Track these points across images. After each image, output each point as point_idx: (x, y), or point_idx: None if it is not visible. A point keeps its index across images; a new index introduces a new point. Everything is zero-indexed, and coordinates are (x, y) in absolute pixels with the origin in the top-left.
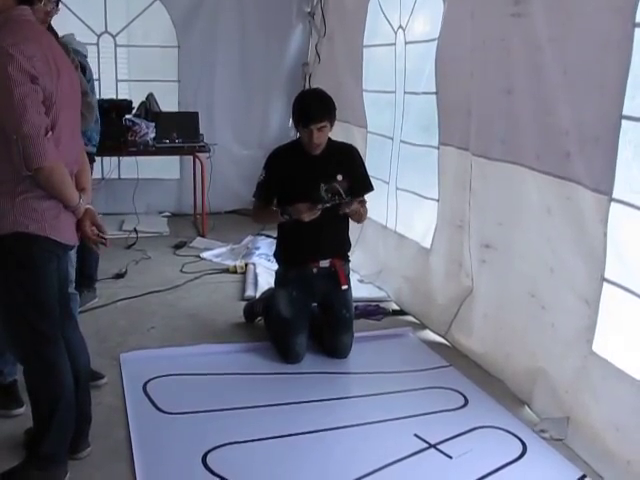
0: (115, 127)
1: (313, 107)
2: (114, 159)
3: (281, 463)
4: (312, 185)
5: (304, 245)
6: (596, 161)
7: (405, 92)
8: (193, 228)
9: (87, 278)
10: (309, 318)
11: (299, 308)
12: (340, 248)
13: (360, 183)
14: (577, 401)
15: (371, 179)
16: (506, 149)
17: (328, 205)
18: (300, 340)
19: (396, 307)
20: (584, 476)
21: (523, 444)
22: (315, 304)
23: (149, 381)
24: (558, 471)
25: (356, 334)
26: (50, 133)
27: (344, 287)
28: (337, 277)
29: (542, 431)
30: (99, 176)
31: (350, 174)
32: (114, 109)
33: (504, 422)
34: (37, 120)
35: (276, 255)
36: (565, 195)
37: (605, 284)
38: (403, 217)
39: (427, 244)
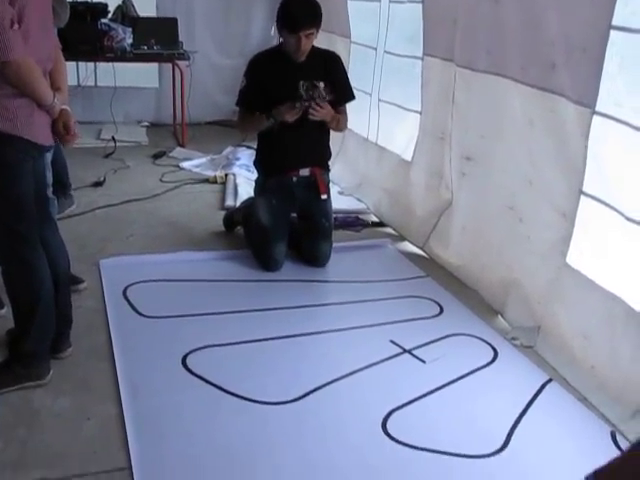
0: (90, 31)
1: (301, 13)
2: (90, 65)
3: (258, 364)
4: (294, 89)
5: (284, 153)
6: (581, 73)
7: (390, 1)
8: (172, 138)
9: (58, 183)
10: (289, 227)
11: (279, 216)
12: (320, 157)
13: (342, 91)
14: (548, 311)
15: (353, 90)
16: (491, 60)
17: (307, 103)
18: (279, 248)
19: (375, 219)
20: (550, 380)
21: (494, 350)
22: (294, 214)
23: (129, 286)
24: (526, 375)
25: (335, 244)
26: (16, 25)
27: (323, 196)
28: (317, 186)
29: (513, 339)
30: (75, 83)
31: (332, 81)
32: (88, 12)
33: (477, 330)
34: (0, 9)
35: (256, 163)
36: (548, 107)
37: (583, 197)
38: (385, 129)
39: (408, 157)
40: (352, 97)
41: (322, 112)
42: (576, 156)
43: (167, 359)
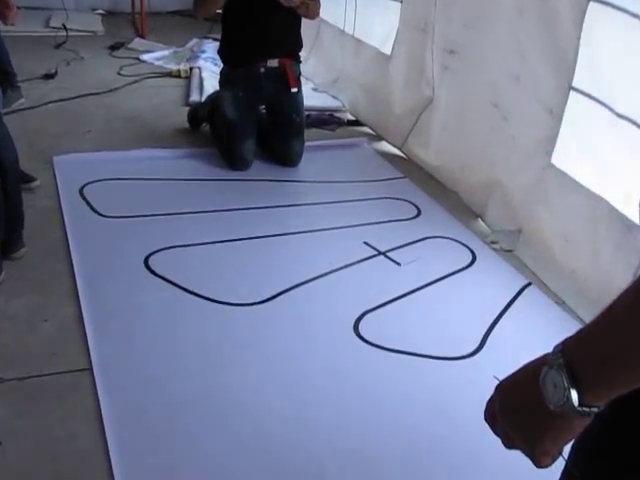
0: None
1: None
2: None
3: (226, 266)
4: None
5: (251, 41)
6: None
7: None
8: (131, 28)
9: (1, 73)
10: (257, 122)
11: (246, 110)
12: (290, 47)
13: None
14: (530, 213)
15: None
16: None
17: None
18: (247, 145)
19: (351, 117)
20: (529, 284)
21: (473, 254)
22: (263, 108)
23: (86, 185)
24: (505, 279)
25: (308, 143)
26: None
27: (294, 90)
28: (286, 79)
29: (493, 242)
30: None
31: None
32: None
33: (456, 233)
34: None
35: (220, 52)
36: None
37: (572, 93)
38: (362, 21)
39: (387, 50)
40: None
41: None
42: (567, 48)
43: (128, 260)
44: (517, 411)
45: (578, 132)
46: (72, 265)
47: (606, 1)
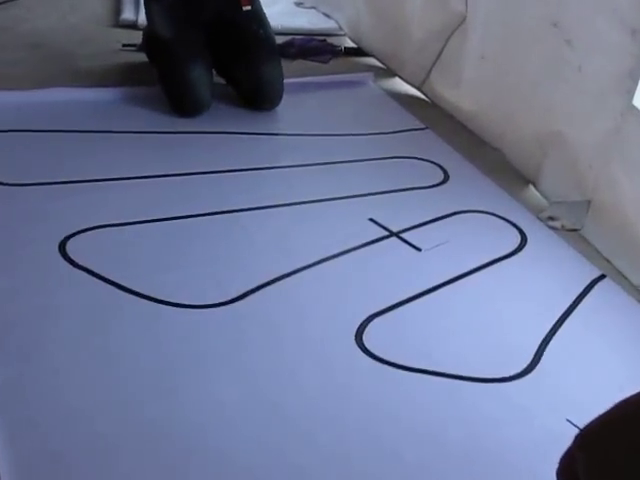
0: None
1: None
2: None
3: (176, 252)
4: None
5: None
6: None
7: None
8: None
9: None
10: (207, 44)
11: (186, 23)
12: None
13: None
14: (604, 178)
15: None
16: None
17: None
18: (196, 72)
19: (351, 44)
20: (602, 276)
21: (522, 235)
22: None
23: None
24: (569, 269)
25: (291, 80)
26: None
27: (246, 8)
28: None
29: (551, 219)
30: None
31: None
32: None
33: (497, 206)
34: None
35: None
36: None
37: None
38: None
39: None
40: None
41: None
42: None
43: (36, 245)
44: (617, 476)
45: None
46: None
47: None
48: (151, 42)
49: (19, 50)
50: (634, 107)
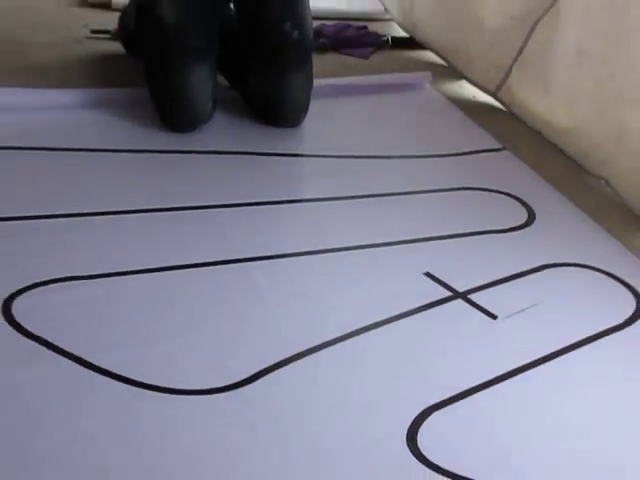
0: None
1: None
2: None
3: (160, 318)
4: None
5: None
6: None
7: None
8: None
9: None
10: (219, 34)
11: (195, 7)
12: None
13: None
14: None
15: None
16: None
17: None
18: (199, 77)
19: (401, 33)
20: None
21: (638, 298)
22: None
23: None
24: None
25: (320, 82)
26: None
27: None
28: None
29: None
30: None
31: None
32: None
33: (602, 257)
34: None
35: None
36: None
37: None
38: None
39: None
40: None
41: None
42: None
43: None
44: None
45: None
46: None
47: None
48: (140, 26)
49: None
50: None
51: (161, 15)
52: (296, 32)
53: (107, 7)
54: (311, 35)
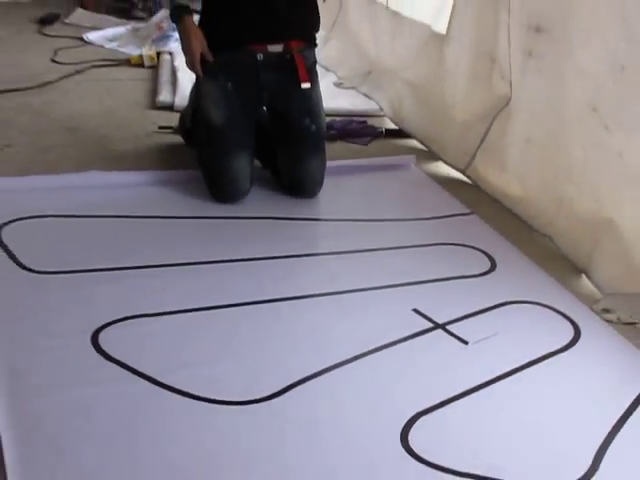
0: None
1: None
2: None
3: (209, 344)
4: None
5: (243, 17)
6: None
7: None
8: None
9: None
10: (254, 131)
11: (237, 110)
12: (301, 24)
13: None
14: None
15: None
16: None
17: None
18: (240, 163)
19: (392, 126)
20: None
21: (576, 328)
22: (264, 109)
23: (5, 225)
24: (626, 366)
25: (331, 163)
26: None
27: (305, 85)
28: (294, 69)
29: (606, 311)
30: None
31: None
32: None
33: (548, 296)
34: None
35: (201, 28)
36: None
37: None
38: None
39: (441, 28)
40: None
41: None
42: None
43: (68, 337)
44: None
45: None
46: None
47: None
48: (195, 125)
49: (55, 135)
50: None
51: (210, 116)
52: (313, 126)
53: (170, 109)
54: (324, 128)
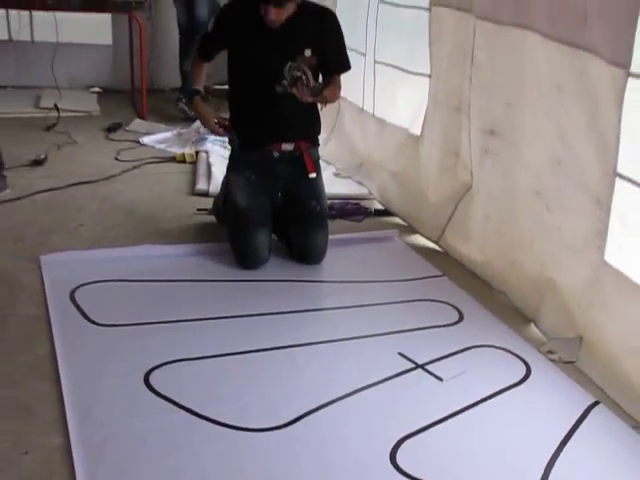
0: None
1: None
2: (24, 15)
3: (238, 382)
4: (270, 56)
5: (263, 124)
6: (616, 24)
7: None
8: (130, 108)
9: None
10: (271, 211)
11: (257, 196)
12: (308, 129)
13: (335, 59)
14: (590, 318)
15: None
16: (518, 10)
17: (288, 89)
18: (260, 237)
19: (380, 206)
20: (596, 402)
21: (527, 366)
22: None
23: (77, 288)
24: (567, 397)
25: (332, 237)
26: None
27: (312, 175)
28: (303, 163)
29: (550, 352)
30: (5, 37)
31: (322, 48)
32: None
33: (505, 341)
34: None
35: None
36: (578, 69)
37: (618, 180)
38: (384, 98)
39: (416, 130)
40: (348, 67)
41: (305, 98)
42: (609, 129)
43: (126, 377)
44: None
45: (630, 225)
46: (60, 384)
47: None
48: (225, 208)
49: (116, 215)
50: (606, 262)
51: (237, 201)
52: (319, 207)
53: (206, 195)
54: (327, 209)
